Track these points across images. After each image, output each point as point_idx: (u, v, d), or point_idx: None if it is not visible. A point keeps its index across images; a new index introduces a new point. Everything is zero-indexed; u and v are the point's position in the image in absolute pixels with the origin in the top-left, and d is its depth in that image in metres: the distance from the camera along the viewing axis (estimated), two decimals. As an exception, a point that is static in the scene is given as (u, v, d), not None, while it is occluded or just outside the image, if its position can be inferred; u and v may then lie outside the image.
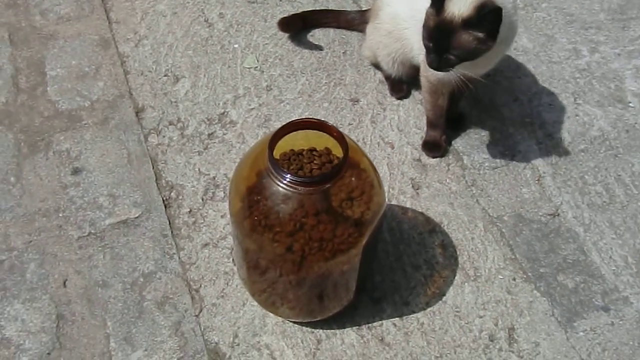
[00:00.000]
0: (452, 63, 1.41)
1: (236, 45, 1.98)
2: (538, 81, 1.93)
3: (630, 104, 1.88)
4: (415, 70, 1.75)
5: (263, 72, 1.92)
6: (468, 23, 1.36)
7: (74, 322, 1.45)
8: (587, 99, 1.89)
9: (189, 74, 1.90)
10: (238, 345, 1.43)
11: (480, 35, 1.36)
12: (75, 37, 1.97)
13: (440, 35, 1.39)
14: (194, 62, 1.93)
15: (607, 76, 1.94)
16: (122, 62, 1.92)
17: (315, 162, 1.30)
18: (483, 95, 1.88)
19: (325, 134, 1.28)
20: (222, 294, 1.50)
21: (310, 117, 1.39)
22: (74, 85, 1.85)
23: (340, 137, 1.23)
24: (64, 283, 1.50)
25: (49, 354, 1.40)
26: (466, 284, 1.53)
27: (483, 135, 1.81)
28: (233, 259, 1.55)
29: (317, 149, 1.32)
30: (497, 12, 1.34)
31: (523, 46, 2.01)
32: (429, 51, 1.42)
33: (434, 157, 1.73)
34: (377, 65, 1.88)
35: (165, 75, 1.89)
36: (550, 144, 1.80)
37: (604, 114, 1.86)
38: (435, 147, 1.74)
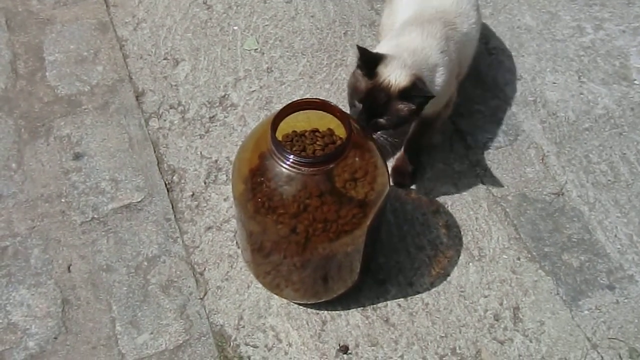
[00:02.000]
0: (380, 127, 1.38)
1: (236, 27, 1.95)
2: (542, 59, 1.91)
3: (635, 82, 1.86)
4: None
5: (263, 54, 1.90)
6: (403, 94, 1.34)
7: (80, 307, 1.45)
8: (591, 77, 1.87)
9: (188, 57, 1.88)
10: (243, 327, 1.44)
11: (413, 107, 1.35)
12: (72, 21, 1.95)
13: (373, 100, 1.36)
14: (194, 44, 1.91)
15: (611, 54, 1.92)
16: (121, 46, 1.90)
17: (318, 143, 1.29)
18: (486, 74, 1.86)
19: (327, 114, 1.26)
20: (227, 276, 1.50)
21: (313, 97, 1.38)
22: (73, 70, 1.84)
23: (343, 117, 1.22)
24: (69, 268, 1.50)
25: (55, 338, 1.40)
26: (470, 264, 1.53)
27: (486, 114, 1.79)
28: (237, 242, 1.54)
29: (320, 130, 1.31)
30: (426, 86, 1.36)
31: (526, 24, 1.98)
32: (356, 111, 1.38)
33: (399, 187, 1.65)
34: None
35: (164, 59, 1.88)
36: (554, 122, 1.78)
37: (609, 92, 1.84)
38: (404, 177, 1.65)
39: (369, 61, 1.36)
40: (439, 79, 1.43)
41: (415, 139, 1.64)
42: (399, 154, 1.67)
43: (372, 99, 1.36)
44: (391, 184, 1.58)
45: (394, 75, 1.35)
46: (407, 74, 1.35)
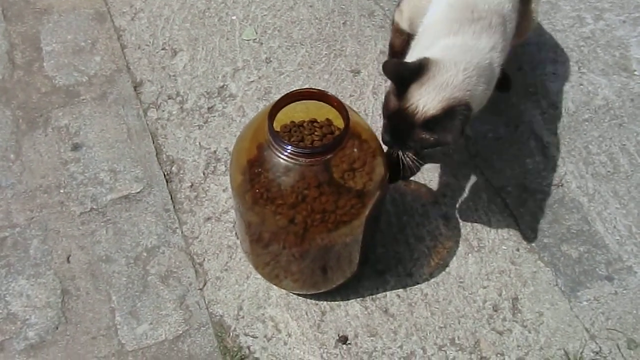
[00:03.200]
0: (406, 149, 1.25)
1: (234, 17, 1.94)
2: (541, 50, 1.90)
3: (636, 72, 1.86)
4: None
5: (262, 44, 1.89)
6: (430, 123, 1.17)
7: (79, 297, 1.45)
8: (591, 68, 1.86)
9: (186, 47, 1.87)
10: (243, 317, 1.44)
11: (441, 138, 1.19)
12: (69, 11, 1.93)
13: (397, 122, 1.22)
14: (192, 34, 1.90)
15: (611, 44, 1.91)
16: (119, 36, 1.89)
17: (316, 133, 1.28)
18: (486, 64, 1.85)
19: (325, 104, 1.26)
20: (226, 267, 1.50)
21: (311, 87, 1.37)
22: (70, 60, 1.83)
23: (341, 107, 1.22)
24: (68, 258, 1.50)
25: (56, 327, 1.41)
26: (470, 254, 1.53)
27: (486, 105, 1.78)
28: (236, 233, 1.54)
29: (318, 120, 1.30)
30: (467, 116, 1.17)
31: (526, 14, 1.97)
32: (384, 128, 1.26)
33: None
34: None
35: (162, 49, 1.87)
36: (554, 113, 1.77)
37: (609, 83, 1.83)
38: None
39: (401, 79, 1.19)
40: (486, 94, 1.23)
41: None
42: None
43: (396, 122, 1.22)
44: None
45: (424, 101, 1.17)
46: (440, 99, 1.16)
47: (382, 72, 1.20)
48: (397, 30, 1.64)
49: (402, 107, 1.20)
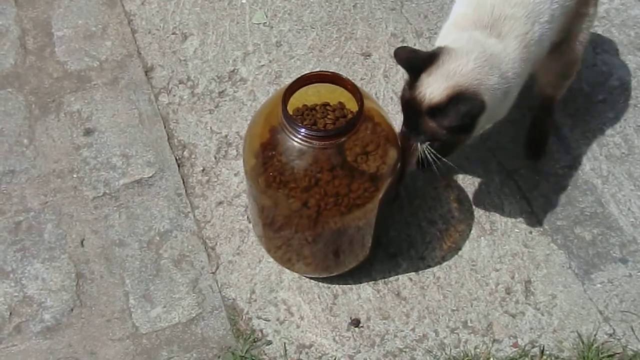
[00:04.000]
0: (420, 140, 1.21)
1: (244, 1, 1.93)
2: (555, 31, 1.87)
3: (651, 53, 1.83)
4: None
5: (272, 27, 1.88)
6: (436, 110, 1.14)
7: (93, 281, 1.47)
8: (605, 48, 1.84)
9: (197, 32, 1.86)
10: (255, 301, 1.45)
11: (449, 127, 1.15)
12: (80, -5, 1.93)
13: (410, 113, 1.19)
14: (202, 19, 1.89)
15: (626, 23, 1.88)
16: (129, 20, 1.88)
17: (329, 117, 1.28)
18: (499, 46, 1.83)
19: (338, 87, 1.25)
20: (238, 251, 1.51)
21: (324, 70, 1.36)
22: (81, 45, 1.83)
23: (354, 90, 1.21)
24: (82, 242, 1.51)
25: (71, 310, 1.42)
26: (482, 237, 1.53)
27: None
28: (248, 217, 1.55)
29: (331, 104, 1.30)
30: (474, 105, 1.13)
31: (540, -5, 1.94)
32: (403, 119, 1.24)
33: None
34: None
35: (173, 34, 1.86)
36: (568, 95, 1.75)
37: (624, 63, 1.81)
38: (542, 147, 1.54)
39: (413, 68, 1.16)
40: (510, 94, 1.19)
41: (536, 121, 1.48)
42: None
43: (410, 112, 1.19)
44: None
45: (431, 89, 1.14)
46: (446, 86, 1.13)
47: (394, 58, 1.18)
48: None
49: (412, 95, 1.18)
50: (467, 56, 1.17)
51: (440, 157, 1.25)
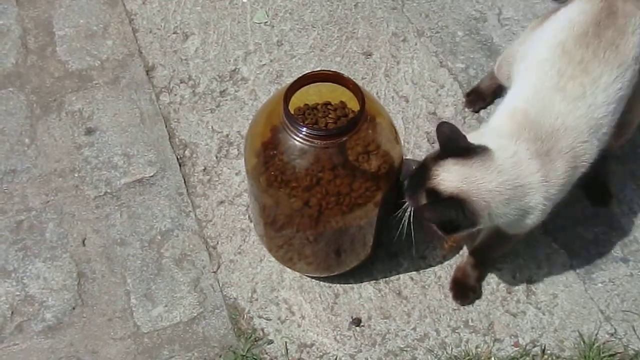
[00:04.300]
0: (410, 205, 1.20)
1: (245, 0, 1.93)
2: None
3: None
4: None
5: (273, 27, 1.88)
6: (433, 194, 1.14)
7: (95, 280, 1.47)
8: (607, 48, 1.83)
9: (198, 31, 1.86)
10: (257, 300, 1.45)
11: (423, 210, 1.15)
12: (81, -5, 1.93)
13: (419, 178, 1.18)
14: (203, 18, 1.89)
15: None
16: (130, 20, 1.88)
17: (330, 116, 1.28)
18: (498, 45, 1.83)
19: (339, 87, 1.25)
20: (239, 250, 1.51)
21: (325, 69, 1.36)
22: (82, 44, 1.83)
23: (356, 89, 1.21)
24: (83, 242, 1.52)
25: (73, 309, 1.43)
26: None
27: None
28: (249, 216, 1.55)
29: (332, 103, 1.30)
30: (466, 219, 1.11)
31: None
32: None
33: (462, 304, 1.43)
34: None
35: (174, 33, 1.86)
36: (569, 94, 1.75)
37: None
38: (466, 292, 1.43)
39: (448, 149, 1.16)
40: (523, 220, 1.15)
41: (482, 247, 1.39)
42: (461, 263, 1.44)
43: (416, 176, 1.19)
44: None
45: (448, 178, 1.13)
46: (459, 187, 1.11)
47: (436, 132, 1.18)
48: (492, 75, 1.61)
49: (429, 167, 1.16)
50: (497, 175, 1.14)
51: (414, 228, 1.23)
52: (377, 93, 1.74)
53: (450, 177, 1.14)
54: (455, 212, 1.12)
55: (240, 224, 1.55)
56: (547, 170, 1.15)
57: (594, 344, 1.38)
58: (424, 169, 1.18)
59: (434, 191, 1.15)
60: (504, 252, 1.43)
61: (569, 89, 1.18)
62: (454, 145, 1.16)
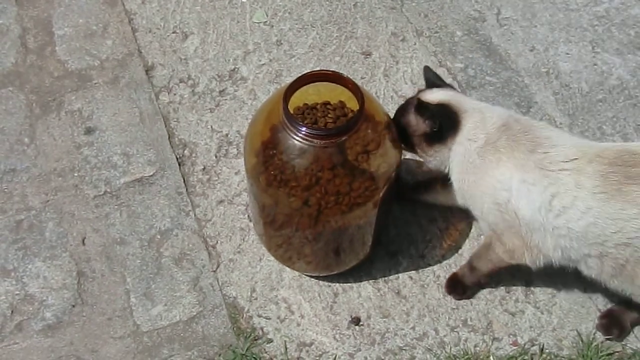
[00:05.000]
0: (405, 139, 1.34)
1: (244, 0, 1.93)
2: (555, 29, 1.88)
3: (651, 52, 1.83)
4: None
5: (272, 26, 1.88)
6: (422, 108, 1.30)
7: (94, 279, 1.47)
8: (605, 47, 1.84)
9: (197, 30, 1.87)
10: (256, 299, 1.45)
11: (422, 129, 1.31)
12: (81, -6, 1.93)
13: (401, 112, 1.36)
14: (202, 18, 1.89)
15: (626, 23, 1.89)
16: (130, 19, 1.89)
17: (329, 115, 1.28)
18: (497, 45, 1.84)
19: (338, 86, 1.26)
20: (239, 249, 1.52)
21: (325, 69, 1.36)
22: (82, 44, 1.83)
23: (355, 89, 1.21)
24: (83, 241, 1.52)
25: (73, 308, 1.43)
26: (482, 236, 1.53)
27: (498, 86, 1.77)
28: (249, 215, 1.55)
29: (331, 103, 1.30)
30: (451, 118, 1.29)
31: (540, -6, 1.95)
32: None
33: (457, 298, 1.45)
34: None
35: (173, 32, 1.86)
36: (567, 94, 1.76)
37: (624, 62, 1.81)
38: (456, 286, 1.45)
39: (431, 85, 1.39)
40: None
41: (472, 255, 1.44)
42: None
43: (400, 112, 1.36)
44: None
45: (428, 93, 1.34)
46: (433, 97, 1.32)
47: (423, 72, 1.42)
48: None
49: (416, 95, 1.34)
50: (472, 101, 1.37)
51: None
52: (376, 93, 1.75)
53: (435, 94, 1.33)
54: (441, 111, 1.28)
55: (239, 223, 1.55)
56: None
57: (592, 343, 1.39)
58: (412, 98, 1.35)
59: (422, 101, 1.31)
60: (486, 273, 1.41)
61: None
62: (437, 83, 1.38)
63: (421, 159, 1.41)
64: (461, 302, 1.45)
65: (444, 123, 1.29)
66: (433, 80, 1.40)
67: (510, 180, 1.22)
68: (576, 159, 1.20)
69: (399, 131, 1.32)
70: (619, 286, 1.27)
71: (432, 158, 1.34)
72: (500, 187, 1.23)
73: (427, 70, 1.43)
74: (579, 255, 1.24)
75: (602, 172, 1.16)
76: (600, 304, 1.45)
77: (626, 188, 1.14)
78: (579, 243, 1.21)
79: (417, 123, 1.32)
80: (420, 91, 1.39)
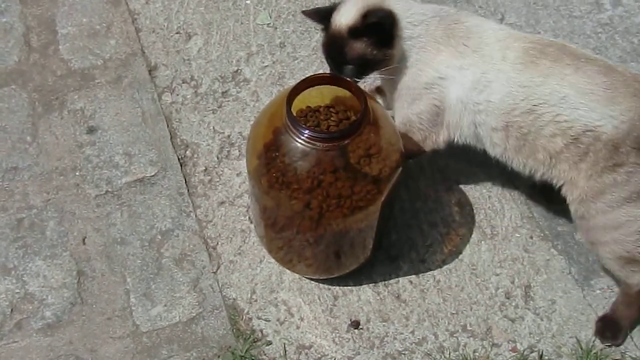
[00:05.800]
0: (349, 74, 1.30)
1: (248, 1, 1.93)
2: (558, 36, 1.87)
3: (654, 60, 1.84)
4: None
5: (276, 28, 1.88)
6: (355, 31, 1.28)
7: (95, 279, 1.47)
8: (609, 55, 1.84)
9: (201, 31, 1.87)
10: (256, 301, 1.45)
11: (371, 41, 1.28)
12: (85, -7, 1.93)
13: (333, 49, 1.31)
14: (206, 18, 1.89)
15: (630, 30, 1.89)
16: (133, 19, 1.89)
17: (332, 118, 1.29)
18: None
19: (340, 90, 1.26)
20: (239, 251, 1.52)
21: (328, 72, 1.37)
22: (85, 43, 1.83)
23: (358, 93, 1.22)
24: (83, 240, 1.52)
25: (72, 307, 1.43)
26: (483, 242, 1.53)
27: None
28: (250, 217, 1.55)
29: (334, 106, 1.30)
30: (385, 18, 1.27)
31: (543, 0, 1.95)
32: (330, 68, 1.35)
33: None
34: None
35: (177, 33, 1.86)
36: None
37: (626, 70, 1.81)
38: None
39: (323, 16, 1.33)
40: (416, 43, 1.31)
41: None
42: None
43: (332, 48, 1.31)
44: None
45: (345, 16, 1.28)
46: (357, 8, 1.27)
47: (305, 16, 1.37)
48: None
49: (331, 32, 1.30)
50: None
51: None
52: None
53: (348, 13, 1.30)
54: (377, 15, 1.27)
55: (240, 224, 1.55)
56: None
57: (591, 351, 1.39)
58: (330, 40, 1.32)
59: (352, 27, 1.28)
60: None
61: None
62: (325, 10, 1.34)
63: (384, 83, 1.42)
64: (461, 307, 1.45)
65: (384, 21, 1.28)
66: (317, 12, 1.36)
67: (447, 68, 1.31)
68: (507, 38, 1.33)
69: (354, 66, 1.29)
70: (522, 162, 1.36)
71: (390, 65, 1.32)
72: (437, 75, 1.32)
73: (305, 12, 1.38)
74: (487, 130, 1.35)
75: (525, 47, 1.31)
76: (600, 311, 1.45)
77: (539, 61, 1.29)
78: (492, 116, 1.32)
79: (361, 43, 1.28)
80: (326, 27, 1.33)
